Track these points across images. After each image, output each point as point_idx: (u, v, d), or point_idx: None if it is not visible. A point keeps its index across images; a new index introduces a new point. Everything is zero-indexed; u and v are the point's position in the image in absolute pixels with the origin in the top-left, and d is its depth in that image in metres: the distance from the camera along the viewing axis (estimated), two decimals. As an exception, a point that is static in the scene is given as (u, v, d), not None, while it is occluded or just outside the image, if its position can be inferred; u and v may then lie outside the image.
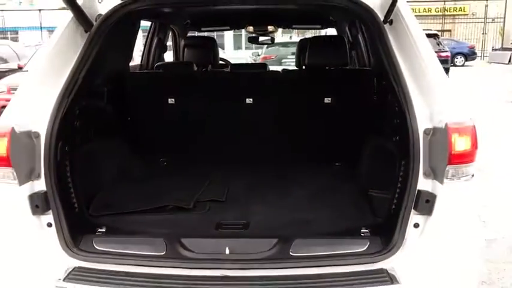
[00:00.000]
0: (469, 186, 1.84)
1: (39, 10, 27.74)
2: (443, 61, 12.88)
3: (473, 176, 1.86)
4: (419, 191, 1.80)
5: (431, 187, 1.80)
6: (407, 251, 1.82)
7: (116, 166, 2.48)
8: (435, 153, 1.76)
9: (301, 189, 2.45)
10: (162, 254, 1.88)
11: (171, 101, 2.98)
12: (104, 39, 2.22)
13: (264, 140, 2.88)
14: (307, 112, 2.86)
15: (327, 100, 2.88)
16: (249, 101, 2.92)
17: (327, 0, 1.71)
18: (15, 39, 28.02)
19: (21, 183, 1.87)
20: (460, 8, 33.66)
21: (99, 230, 2.08)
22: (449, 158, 1.74)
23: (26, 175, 1.88)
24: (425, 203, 1.79)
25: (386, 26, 2.08)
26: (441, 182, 1.76)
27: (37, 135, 1.92)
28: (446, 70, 12.87)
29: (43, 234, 1.91)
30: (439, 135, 1.74)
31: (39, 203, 1.89)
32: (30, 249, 1.86)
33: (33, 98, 1.97)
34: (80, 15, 2.16)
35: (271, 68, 4.93)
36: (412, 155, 1.79)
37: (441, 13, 31.50)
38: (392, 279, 1.73)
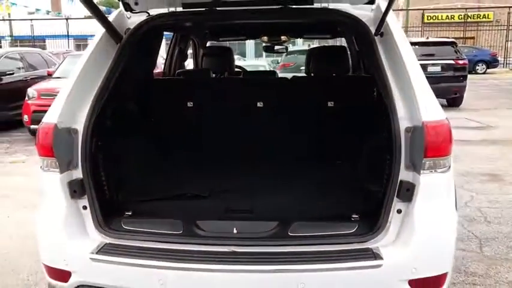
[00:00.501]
0: (445, 177, 2.08)
1: (67, 19, 28.46)
2: (461, 68, 12.89)
3: (449, 167, 2.12)
4: (401, 181, 2.06)
5: (411, 178, 2.05)
6: (390, 233, 2.08)
7: (141, 159, 2.79)
8: (414, 148, 2.02)
9: (303, 182, 2.73)
10: (179, 232, 2.19)
11: (189, 104, 3.30)
12: (132, 50, 2.55)
13: (272, 139, 3.17)
14: (311, 114, 3.15)
15: (330, 104, 3.17)
16: (259, 104, 3.23)
17: (326, 15, 1.95)
18: (42, 47, 28.80)
19: (62, 171, 2.20)
20: (484, 15, 33.36)
21: (127, 213, 2.40)
22: (425, 152, 1.99)
23: (66, 165, 2.21)
24: (406, 192, 2.05)
25: (377, 38, 2.36)
26: (419, 173, 2.02)
27: (75, 132, 2.25)
28: (464, 77, 12.90)
29: (80, 214, 2.24)
30: (417, 133, 2.00)
31: (76, 189, 2.22)
32: (70, 227, 2.19)
33: (72, 100, 2.30)
34: (110, 29, 2.49)
35: (290, 75, 5.25)
36: (395, 150, 2.06)
37: (461, 20, 31.32)
38: (376, 256, 2.00)
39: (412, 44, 12.49)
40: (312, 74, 3.63)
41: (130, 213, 2.38)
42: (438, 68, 12.75)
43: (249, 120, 3.17)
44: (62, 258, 2.15)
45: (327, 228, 2.15)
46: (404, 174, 2.05)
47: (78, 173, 2.23)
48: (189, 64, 5.92)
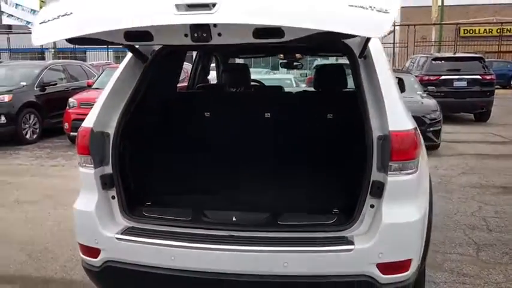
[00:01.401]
0: (412, 177, 2.41)
1: None
2: (488, 84, 12.92)
3: (416, 169, 2.44)
4: (373, 181, 2.42)
5: (382, 178, 2.42)
6: (364, 224, 2.45)
7: (160, 159, 3.25)
8: (383, 153, 2.38)
9: (295, 183, 3.13)
10: (188, 219, 2.63)
11: (207, 114, 3.77)
12: (156, 68, 3.03)
13: (274, 145, 3.59)
14: (312, 124, 3.56)
15: (329, 116, 3.58)
16: (267, 115, 3.66)
17: (317, 39, 2.21)
18: (83, 59, 29.85)
19: (95, 167, 2.68)
20: (522, 29, 32.79)
21: (147, 203, 2.85)
22: (391, 156, 2.34)
23: (99, 162, 2.69)
24: (377, 190, 2.41)
25: (361, 60, 2.75)
26: (387, 174, 2.37)
27: (107, 135, 2.74)
28: (491, 92, 12.93)
29: (109, 203, 2.72)
30: (385, 140, 2.37)
31: (107, 182, 2.69)
32: (100, 212, 2.65)
33: (106, 109, 2.78)
34: (137, 53, 2.98)
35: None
36: (369, 155, 2.44)
37: (499, 34, 30.77)
38: (348, 243, 2.36)
39: (438, 59, 12.66)
40: (316, 89, 4.05)
41: (150, 203, 2.83)
42: (464, 83, 12.85)
43: (256, 128, 3.60)
44: (93, 238, 2.61)
45: (311, 219, 2.56)
46: (376, 175, 2.42)
47: (108, 169, 2.70)
48: (214, 77, 6.42)
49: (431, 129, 8.65)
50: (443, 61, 13.54)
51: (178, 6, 1.97)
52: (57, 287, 3.72)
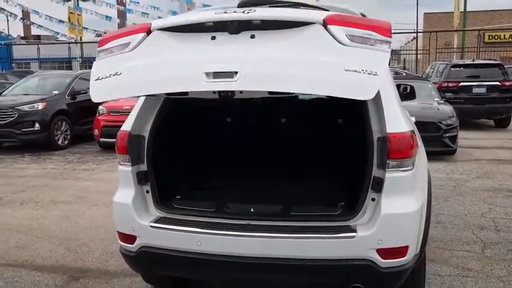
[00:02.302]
0: (408, 174, 2.71)
1: None
2: (508, 90, 12.99)
3: (412, 167, 2.74)
4: (374, 176, 2.75)
5: (381, 174, 2.74)
6: (366, 215, 2.77)
7: (189, 159, 3.61)
8: (382, 152, 2.71)
9: (309, 180, 3.46)
10: (212, 210, 3.00)
11: (228, 119, 4.14)
12: None
13: (291, 147, 3.94)
14: (324, 128, 3.89)
15: (340, 120, 3.91)
16: (283, 120, 4.01)
17: None
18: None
19: (133, 165, 3.07)
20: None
21: (177, 196, 3.23)
22: (388, 155, 2.67)
23: (136, 160, 3.07)
24: (377, 185, 2.74)
25: None
26: (385, 170, 2.70)
27: (143, 138, 3.12)
28: (511, 98, 13.01)
29: (144, 196, 3.10)
30: (384, 141, 2.70)
31: (142, 177, 3.08)
32: (136, 204, 3.02)
33: (142, 115, 3.16)
34: None
35: None
36: (370, 154, 2.77)
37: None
38: (351, 231, 2.69)
39: (457, 66, 12.80)
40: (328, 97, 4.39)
41: (179, 197, 3.20)
42: (484, 90, 12.97)
43: (273, 132, 3.96)
44: (130, 226, 2.98)
45: (319, 210, 2.90)
46: (376, 172, 2.74)
47: (144, 167, 3.08)
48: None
49: (447, 134, 8.87)
50: (462, 68, 13.69)
51: (207, 74, 2.33)
52: (94, 275, 4.12)
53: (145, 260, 3.01)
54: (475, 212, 5.75)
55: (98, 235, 5.09)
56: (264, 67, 2.34)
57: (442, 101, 10.15)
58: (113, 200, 3.11)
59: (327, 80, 2.28)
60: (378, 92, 2.76)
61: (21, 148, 11.00)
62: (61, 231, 5.26)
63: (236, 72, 2.28)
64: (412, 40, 44.58)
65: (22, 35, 57.12)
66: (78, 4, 33.12)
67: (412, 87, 5.30)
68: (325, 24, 2.39)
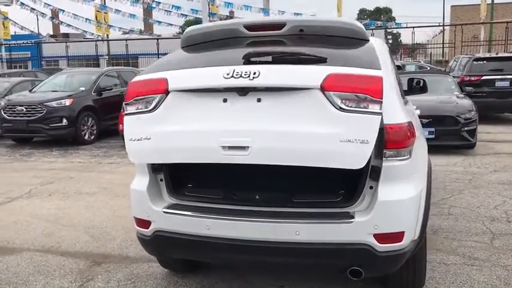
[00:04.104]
0: (405, 163, 2.83)
1: (157, 38, 30.36)
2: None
3: (409, 156, 2.86)
4: (372, 166, 2.89)
5: (379, 163, 2.88)
6: (365, 202, 2.91)
7: None
8: (380, 142, 2.83)
9: (311, 169, 3.59)
10: (221, 197, 3.19)
11: None
12: None
13: None
14: None
15: None
16: None
17: None
18: (135, 65, 30.96)
19: None
20: None
21: (189, 185, 3.44)
22: (385, 144, 2.80)
23: None
24: (375, 173, 2.87)
25: None
26: (382, 159, 2.84)
27: None
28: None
29: (158, 184, 3.31)
30: (381, 132, 2.82)
31: (156, 167, 3.27)
32: (151, 191, 3.21)
33: None
34: None
35: None
36: None
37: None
38: (350, 217, 2.84)
39: (480, 59, 12.71)
40: None
41: (191, 185, 3.41)
42: (507, 83, 12.84)
43: None
44: (145, 212, 3.19)
45: (320, 198, 3.07)
46: (374, 161, 2.88)
47: None
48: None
49: (465, 128, 8.87)
50: (485, 61, 13.56)
51: (224, 148, 2.78)
52: (114, 260, 4.37)
53: (159, 244, 3.23)
54: (488, 204, 5.80)
55: (120, 224, 5.36)
56: (271, 143, 2.72)
57: (462, 95, 10.12)
58: (130, 187, 3.34)
59: (325, 154, 2.67)
60: (379, 65, 2.89)
61: (49, 143, 11.45)
62: (85, 220, 5.55)
63: (248, 147, 2.72)
64: (439, 33, 43.95)
65: (51, 33, 58.46)
66: (104, 3, 33.78)
67: (424, 81, 5.39)
68: (322, 89, 2.67)
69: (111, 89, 12.18)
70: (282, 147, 2.71)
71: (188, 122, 2.88)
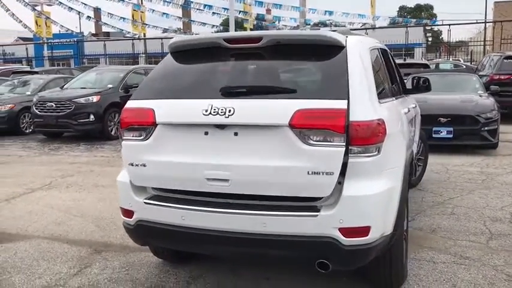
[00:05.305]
0: (373, 159, 2.88)
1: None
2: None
3: (378, 153, 2.91)
4: None
5: (346, 160, 2.90)
6: (333, 197, 2.98)
7: None
8: (346, 139, 2.90)
9: None
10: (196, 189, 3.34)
11: None
12: None
13: None
14: None
15: None
16: None
17: None
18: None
19: None
20: None
21: None
22: (351, 141, 2.85)
23: None
24: (342, 169, 2.96)
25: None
26: (348, 155, 2.90)
27: None
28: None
29: None
30: (348, 128, 2.89)
31: None
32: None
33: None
34: None
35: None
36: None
37: None
38: (316, 210, 2.91)
39: (510, 57, 12.34)
40: None
41: None
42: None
43: None
44: (128, 202, 3.38)
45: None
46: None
47: None
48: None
49: (486, 128, 8.69)
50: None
51: (208, 179, 3.08)
52: (115, 249, 4.59)
53: (142, 233, 3.40)
54: (495, 205, 5.72)
55: (127, 215, 5.58)
56: (247, 176, 3.01)
57: (486, 94, 9.90)
58: (117, 179, 3.52)
59: (295, 186, 2.93)
60: (347, 83, 2.99)
61: (78, 138, 11.93)
62: (95, 211, 5.81)
63: (228, 179, 3.02)
64: (483, 30, 42.71)
65: (93, 32, 60.13)
66: (142, 3, 34.56)
67: (427, 79, 5.38)
68: (290, 126, 2.89)
69: (138, 86, 12.43)
70: (258, 180, 2.99)
71: (177, 153, 3.16)
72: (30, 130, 12.89)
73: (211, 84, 3.34)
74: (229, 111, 3.00)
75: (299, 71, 3.48)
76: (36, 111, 11.65)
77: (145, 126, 3.25)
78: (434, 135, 8.66)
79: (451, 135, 8.66)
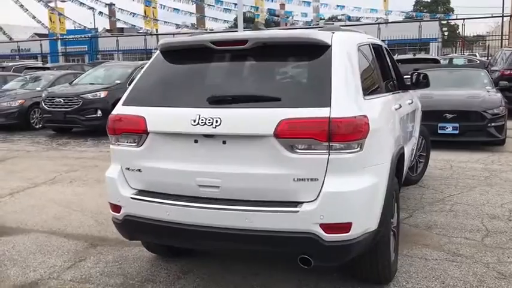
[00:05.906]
0: (354, 156, 2.88)
1: (208, 33, 30.79)
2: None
3: (360, 149, 2.90)
4: None
5: (329, 156, 2.94)
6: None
7: None
8: (327, 135, 2.90)
9: None
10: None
11: None
12: None
13: None
14: None
15: None
16: None
17: None
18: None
19: None
20: None
21: None
22: (331, 137, 2.83)
23: None
24: None
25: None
26: (329, 152, 2.90)
27: None
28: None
29: None
30: (329, 125, 2.88)
31: None
32: (122, 179, 3.39)
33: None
34: None
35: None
36: None
37: None
38: (297, 206, 2.90)
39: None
40: None
41: None
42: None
43: None
44: (116, 198, 3.42)
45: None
46: None
47: None
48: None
49: (492, 124, 8.58)
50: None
51: (200, 186, 3.15)
52: (110, 244, 4.65)
53: (129, 228, 3.45)
54: (495, 202, 5.65)
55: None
56: (236, 184, 3.08)
57: (494, 90, 9.77)
58: (105, 175, 3.57)
59: (282, 192, 2.99)
60: (330, 86, 2.98)
61: (86, 133, 12.04)
62: (95, 206, 5.88)
63: (219, 186, 3.10)
64: (500, 24, 42.07)
65: (108, 28, 60.53)
66: (154, -2, 34.66)
67: (426, 75, 5.34)
68: (275, 136, 2.94)
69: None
70: (246, 187, 3.06)
71: (169, 160, 3.24)
72: (40, 125, 13.05)
73: (198, 91, 3.37)
74: (216, 121, 3.04)
75: (285, 74, 3.46)
76: (45, 106, 11.81)
77: (138, 133, 3.32)
78: (440, 131, 8.58)
79: (456, 131, 8.57)
